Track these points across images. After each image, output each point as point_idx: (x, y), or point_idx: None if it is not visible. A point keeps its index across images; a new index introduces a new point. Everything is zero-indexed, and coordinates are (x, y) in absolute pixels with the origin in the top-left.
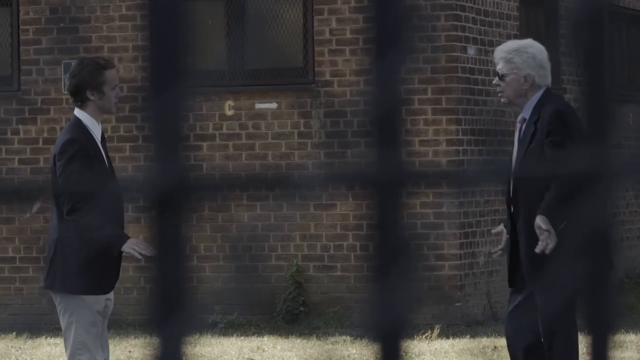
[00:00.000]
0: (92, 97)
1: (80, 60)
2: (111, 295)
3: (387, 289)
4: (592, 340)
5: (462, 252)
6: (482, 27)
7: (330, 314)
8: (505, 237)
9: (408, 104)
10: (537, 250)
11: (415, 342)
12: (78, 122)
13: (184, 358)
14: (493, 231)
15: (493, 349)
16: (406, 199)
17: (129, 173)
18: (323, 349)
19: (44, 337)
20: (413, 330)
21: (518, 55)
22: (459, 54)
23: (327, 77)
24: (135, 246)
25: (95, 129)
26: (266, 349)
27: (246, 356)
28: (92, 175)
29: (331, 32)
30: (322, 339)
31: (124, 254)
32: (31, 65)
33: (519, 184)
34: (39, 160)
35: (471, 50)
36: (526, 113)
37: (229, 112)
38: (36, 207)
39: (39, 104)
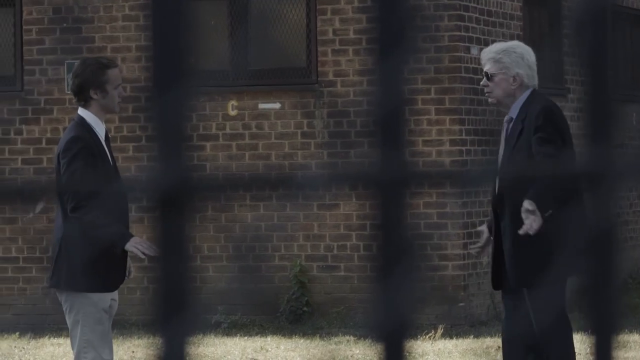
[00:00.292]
0: (95, 97)
1: (83, 60)
2: (116, 295)
3: (391, 289)
4: (595, 341)
5: (465, 252)
6: (486, 27)
7: (334, 314)
8: (486, 235)
9: (411, 104)
10: (521, 231)
11: (418, 342)
12: (82, 121)
13: (187, 358)
14: (477, 229)
15: (497, 349)
16: (409, 199)
17: (132, 173)
18: (326, 349)
19: (47, 337)
20: (416, 330)
21: (507, 56)
22: (463, 54)
23: (331, 77)
24: (138, 245)
25: (99, 128)
26: (269, 349)
27: (249, 356)
28: (96, 173)
29: (334, 32)
30: (325, 339)
31: (128, 253)
32: (34, 65)
33: (505, 183)
34: (42, 160)
35: (474, 50)
36: (513, 112)
37: (232, 112)
38: (39, 207)
39: (42, 104)
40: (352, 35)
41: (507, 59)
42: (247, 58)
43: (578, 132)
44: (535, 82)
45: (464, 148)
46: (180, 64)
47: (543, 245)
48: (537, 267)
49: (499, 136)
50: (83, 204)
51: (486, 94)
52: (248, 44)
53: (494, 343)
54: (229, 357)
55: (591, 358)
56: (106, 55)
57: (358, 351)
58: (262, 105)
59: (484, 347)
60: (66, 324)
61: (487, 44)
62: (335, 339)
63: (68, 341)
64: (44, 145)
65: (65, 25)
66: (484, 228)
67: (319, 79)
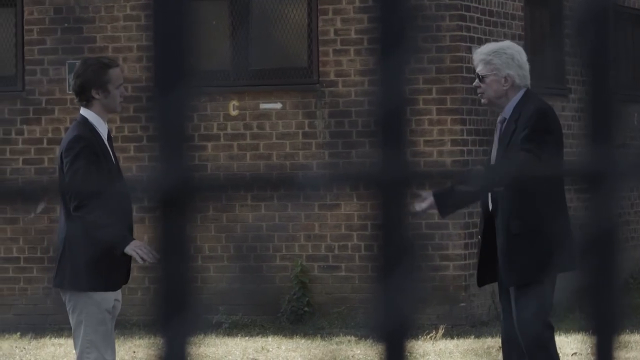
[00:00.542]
0: (97, 96)
1: (84, 60)
2: (119, 295)
3: (392, 289)
4: (596, 341)
5: (466, 252)
6: (487, 27)
7: (335, 314)
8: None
9: (413, 104)
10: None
11: (419, 342)
12: (85, 121)
13: (188, 358)
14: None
15: (498, 349)
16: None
17: (134, 173)
18: (327, 349)
19: (48, 337)
20: (417, 330)
21: (497, 57)
22: (464, 54)
23: (332, 77)
24: (138, 249)
25: (102, 128)
26: (270, 349)
27: (250, 356)
28: (99, 172)
29: (336, 32)
30: (326, 339)
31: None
32: (35, 65)
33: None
34: (44, 160)
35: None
36: (507, 113)
37: (234, 112)
38: (41, 207)
39: (43, 104)
40: (353, 35)
41: (498, 60)
42: (248, 58)
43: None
44: (528, 82)
45: (465, 148)
46: (181, 64)
47: (537, 244)
48: (529, 265)
49: (492, 136)
50: (85, 203)
51: (479, 95)
52: (249, 44)
53: (495, 343)
54: (230, 357)
55: (592, 358)
56: (107, 55)
57: (359, 351)
58: (263, 105)
59: (485, 347)
60: (68, 324)
61: None
62: (337, 339)
63: (69, 341)
64: (45, 145)
65: (66, 25)
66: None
67: (320, 79)
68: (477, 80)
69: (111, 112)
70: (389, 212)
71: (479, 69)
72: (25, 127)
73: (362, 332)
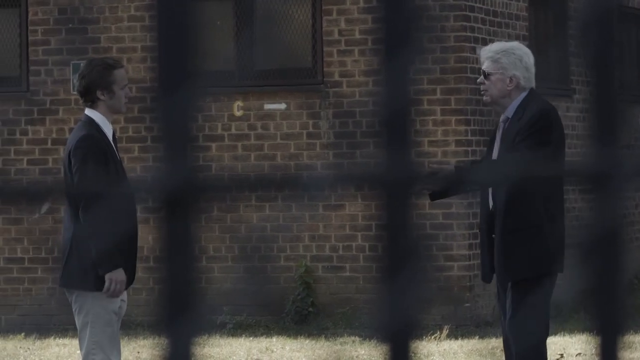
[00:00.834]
0: (102, 97)
1: (89, 61)
2: (125, 296)
3: (396, 290)
4: (601, 341)
5: (471, 252)
6: (491, 28)
7: (339, 314)
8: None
9: (417, 105)
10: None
11: (424, 342)
12: (90, 121)
13: (192, 359)
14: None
15: (502, 350)
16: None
17: (138, 174)
18: (332, 349)
19: (52, 337)
20: (422, 330)
21: (505, 56)
22: (468, 55)
23: (336, 77)
24: (114, 283)
25: (107, 128)
26: (275, 349)
27: (255, 357)
28: (106, 172)
29: (340, 32)
30: (331, 339)
31: (137, 254)
32: (40, 65)
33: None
34: (48, 161)
35: (480, 51)
36: (510, 112)
37: (238, 113)
38: (45, 207)
39: (47, 105)
40: (357, 36)
41: (506, 59)
42: (252, 58)
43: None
44: (532, 84)
45: (469, 148)
46: (185, 64)
47: (532, 242)
48: (524, 263)
49: (494, 135)
50: (95, 204)
51: (482, 92)
52: (253, 44)
53: (499, 344)
54: (235, 357)
55: (597, 359)
56: (112, 56)
57: (363, 352)
58: (267, 106)
59: (490, 347)
60: (72, 324)
61: None
62: (341, 340)
63: (74, 342)
64: (49, 145)
65: (70, 25)
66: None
67: (324, 79)
68: (481, 77)
69: (116, 113)
70: (394, 212)
71: (485, 66)
72: (29, 127)
73: (367, 332)
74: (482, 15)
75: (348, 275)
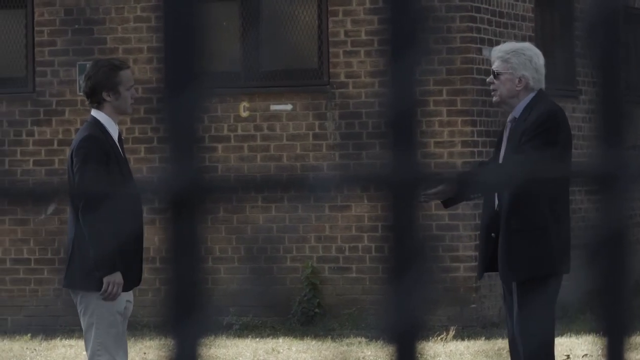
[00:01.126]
0: (108, 98)
1: (95, 62)
2: (131, 297)
3: (403, 291)
4: (607, 342)
5: (476, 253)
6: (497, 29)
7: (346, 315)
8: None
9: (423, 106)
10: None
11: (430, 343)
12: (95, 122)
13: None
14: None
15: (509, 351)
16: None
17: (144, 175)
18: (338, 350)
19: (58, 338)
20: (428, 331)
21: (515, 56)
22: (474, 56)
23: (342, 78)
24: (111, 285)
25: (113, 129)
26: (281, 350)
27: (261, 358)
28: (109, 173)
29: (346, 33)
30: (337, 340)
31: (142, 253)
32: (46, 66)
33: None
34: (54, 161)
35: (486, 52)
36: (517, 112)
37: (244, 114)
38: (51, 208)
39: (53, 106)
40: (363, 37)
41: (516, 59)
42: (258, 59)
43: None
44: (542, 85)
45: (475, 149)
46: (192, 65)
47: (536, 241)
48: (528, 262)
49: (501, 136)
50: (93, 205)
51: (491, 92)
52: (259, 45)
53: (505, 345)
54: (241, 358)
55: None
56: (118, 57)
57: (370, 353)
58: (273, 107)
59: (496, 348)
60: (78, 325)
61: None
62: (347, 341)
63: (80, 342)
64: (55, 146)
65: (76, 26)
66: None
67: (330, 80)
68: (491, 76)
69: (122, 114)
70: (400, 213)
71: (495, 65)
72: (35, 128)
73: (373, 333)
74: (488, 16)
75: (354, 276)
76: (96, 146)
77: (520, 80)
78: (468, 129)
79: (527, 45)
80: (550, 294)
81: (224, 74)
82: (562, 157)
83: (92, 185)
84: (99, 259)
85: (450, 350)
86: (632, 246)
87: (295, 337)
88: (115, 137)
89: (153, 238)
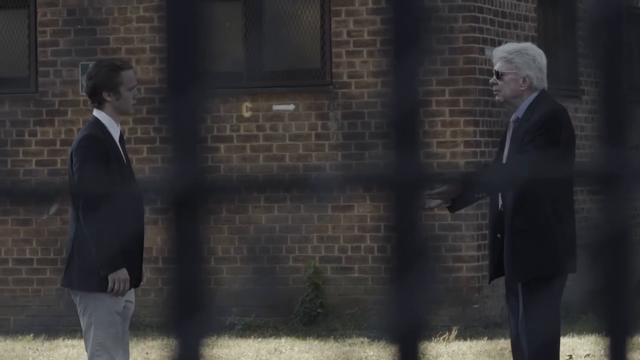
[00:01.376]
0: (108, 98)
1: (97, 62)
2: (132, 297)
3: (405, 291)
4: (610, 342)
5: (479, 253)
6: (500, 29)
7: (348, 315)
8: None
9: (426, 106)
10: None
11: (432, 343)
12: (96, 122)
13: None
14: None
15: (511, 351)
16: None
17: (147, 175)
18: (340, 350)
19: (61, 338)
20: (430, 332)
21: (519, 56)
22: (477, 56)
23: (345, 78)
24: (117, 282)
25: (114, 129)
26: (284, 350)
27: (263, 358)
28: (108, 173)
29: (349, 33)
30: (339, 340)
31: (143, 254)
32: (48, 66)
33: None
34: (56, 162)
35: (489, 52)
36: (520, 112)
37: (247, 114)
38: (54, 208)
39: (56, 106)
40: (366, 37)
41: (519, 59)
42: (261, 59)
43: (592, 133)
44: (545, 85)
45: (478, 149)
46: (194, 65)
47: (541, 241)
48: (533, 263)
49: (504, 136)
50: (93, 205)
51: (494, 92)
52: (262, 45)
53: (508, 345)
54: (243, 358)
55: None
56: (121, 57)
57: (372, 353)
58: (276, 107)
59: (498, 348)
60: (81, 325)
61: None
62: (350, 341)
63: (82, 342)
64: (58, 146)
65: (79, 26)
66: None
67: (333, 80)
68: (494, 77)
69: (123, 114)
70: (402, 213)
71: (498, 66)
72: (38, 128)
73: (376, 333)
74: (491, 16)
75: (357, 276)
76: (96, 146)
77: (524, 80)
78: (470, 129)
79: (529, 45)
80: (555, 294)
81: (227, 74)
82: (565, 156)
83: (91, 185)
84: (101, 258)
85: (453, 351)
86: (635, 246)
87: (297, 337)
88: (117, 137)
89: (156, 238)
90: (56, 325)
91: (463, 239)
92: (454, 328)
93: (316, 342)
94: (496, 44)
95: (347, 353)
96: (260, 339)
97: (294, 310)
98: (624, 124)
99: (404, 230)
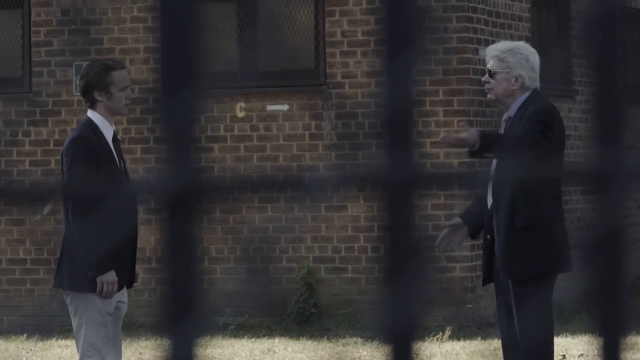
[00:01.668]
0: (100, 98)
1: (91, 62)
2: (124, 297)
3: (398, 291)
4: (603, 342)
5: (473, 253)
6: (494, 29)
7: (342, 315)
8: (456, 221)
9: (419, 106)
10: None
11: (426, 343)
12: (89, 122)
13: None
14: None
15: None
16: (417, 200)
17: (140, 175)
18: (334, 350)
19: (54, 339)
20: (424, 332)
21: (511, 56)
22: (471, 56)
23: (339, 78)
24: (106, 284)
25: (107, 129)
26: (277, 350)
27: (257, 358)
28: (99, 174)
29: (343, 33)
30: (333, 340)
31: (136, 254)
32: (42, 66)
33: (501, 179)
34: (50, 162)
35: (483, 52)
36: (512, 112)
37: (240, 114)
38: (47, 209)
39: (50, 106)
40: (360, 37)
41: (512, 59)
42: (255, 60)
43: (586, 133)
44: (537, 84)
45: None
46: (188, 65)
47: (540, 239)
48: (527, 261)
49: None
50: (81, 206)
51: (486, 90)
52: (256, 45)
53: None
54: (237, 358)
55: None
56: (114, 57)
57: (366, 353)
58: (270, 107)
59: (492, 348)
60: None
61: None
62: (343, 341)
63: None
64: (51, 146)
65: (73, 26)
66: (457, 220)
67: (327, 80)
68: (486, 75)
69: (116, 115)
70: (396, 213)
71: (491, 64)
72: (32, 128)
73: (369, 333)
74: (485, 17)
75: (350, 277)
76: (85, 147)
77: (516, 80)
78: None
79: (522, 44)
80: (546, 293)
81: (221, 74)
82: (554, 153)
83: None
84: (90, 260)
85: (446, 351)
86: (628, 246)
87: (291, 337)
88: (110, 137)
89: (149, 238)
90: (49, 325)
91: None
92: (448, 328)
93: (310, 342)
94: (490, 44)
95: (340, 353)
96: (253, 339)
97: (287, 310)
98: (618, 123)
99: (397, 230)
